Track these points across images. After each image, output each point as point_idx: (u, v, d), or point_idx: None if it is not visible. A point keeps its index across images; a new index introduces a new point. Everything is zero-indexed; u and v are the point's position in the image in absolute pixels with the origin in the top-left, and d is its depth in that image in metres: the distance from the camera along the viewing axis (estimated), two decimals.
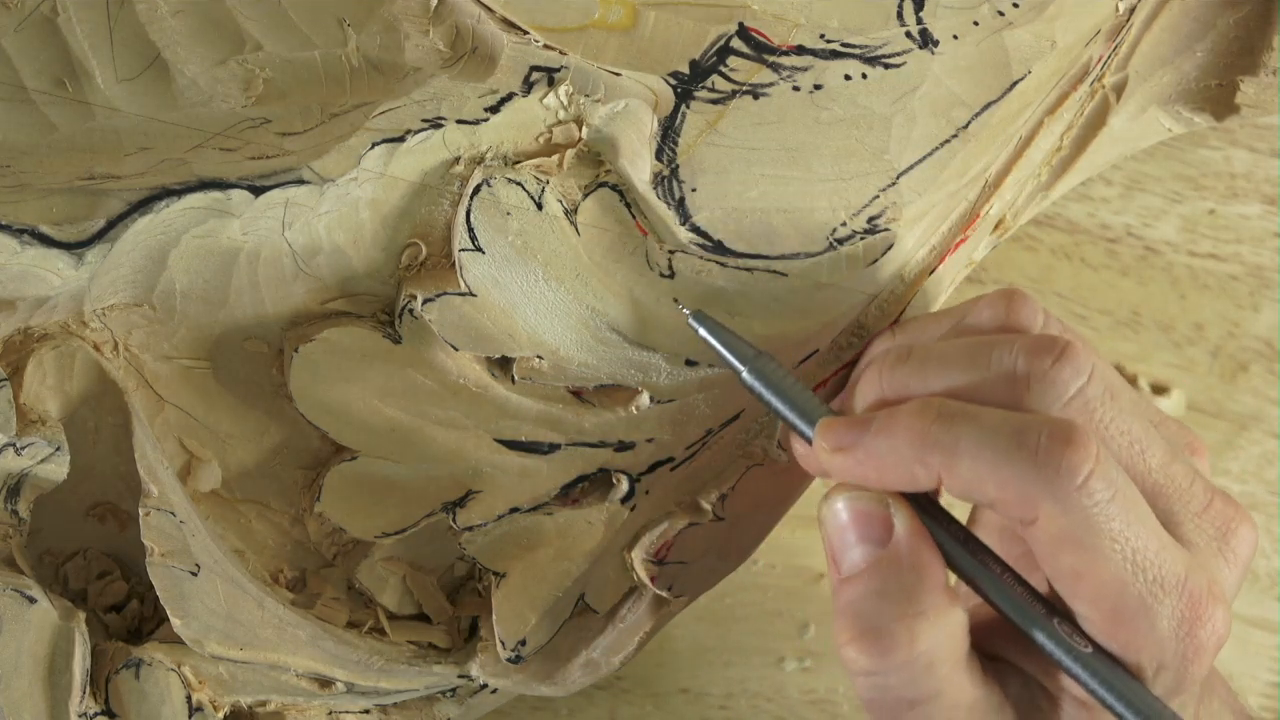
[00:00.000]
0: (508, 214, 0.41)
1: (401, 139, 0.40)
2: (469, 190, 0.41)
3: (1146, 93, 0.47)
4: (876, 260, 0.43)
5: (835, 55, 0.40)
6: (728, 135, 0.41)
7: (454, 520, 0.46)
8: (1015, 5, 0.41)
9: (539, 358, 0.43)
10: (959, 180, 0.43)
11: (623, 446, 0.46)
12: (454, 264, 0.42)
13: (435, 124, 0.40)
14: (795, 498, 0.48)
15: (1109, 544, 0.37)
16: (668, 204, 0.42)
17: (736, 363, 0.41)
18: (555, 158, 0.41)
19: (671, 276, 0.43)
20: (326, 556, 0.47)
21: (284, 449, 0.46)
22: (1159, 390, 0.62)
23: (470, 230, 0.42)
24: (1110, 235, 0.62)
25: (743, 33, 0.40)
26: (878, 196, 0.42)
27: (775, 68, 0.40)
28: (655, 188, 0.41)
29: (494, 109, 0.40)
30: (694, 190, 0.42)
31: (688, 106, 0.41)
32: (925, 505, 0.40)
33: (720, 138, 0.41)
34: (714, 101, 0.41)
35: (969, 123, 0.42)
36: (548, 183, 0.41)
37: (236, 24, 0.37)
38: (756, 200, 0.42)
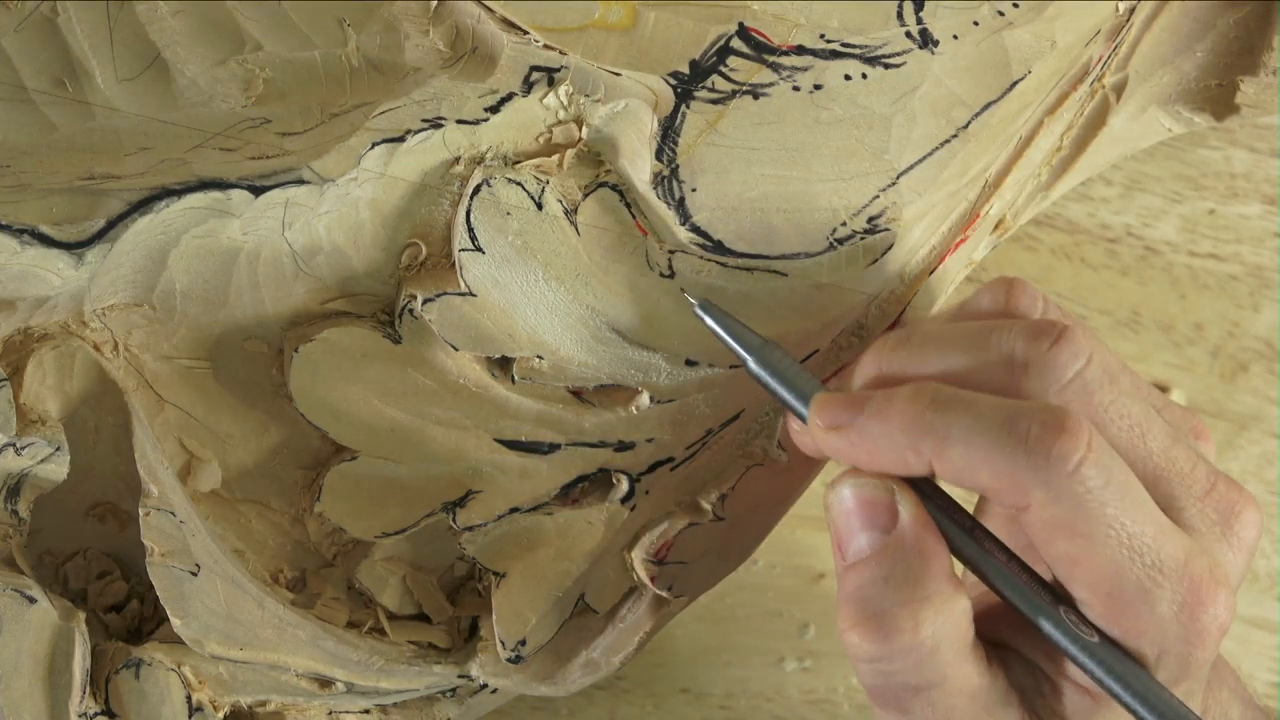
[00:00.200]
0: (508, 214, 0.41)
1: (401, 139, 0.40)
2: (469, 190, 0.41)
3: (1146, 93, 0.47)
4: (876, 260, 0.43)
5: (835, 55, 0.40)
6: (728, 135, 0.41)
7: (454, 520, 0.46)
8: (1015, 5, 0.41)
9: (539, 358, 0.43)
10: (959, 180, 0.43)
11: (623, 446, 0.46)
12: (454, 264, 0.42)
13: (435, 124, 0.40)
14: (795, 498, 0.48)
15: (1104, 530, 0.37)
16: (668, 204, 0.42)
17: (743, 352, 0.41)
18: (555, 158, 0.41)
19: (671, 276, 0.43)
20: (326, 556, 0.47)
21: (284, 449, 0.46)
22: (1159, 390, 0.62)
23: (470, 230, 0.41)
24: (1110, 235, 0.62)
25: (743, 33, 0.40)
26: (878, 196, 0.42)
27: (775, 68, 0.40)
28: (655, 188, 0.41)
29: (494, 109, 0.40)
30: (694, 190, 0.42)
31: (688, 106, 0.41)
32: (931, 492, 0.40)
33: (720, 138, 0.41)
34: (714, 101, 0.41)
35: (969, 123, 0.42)
36: (548, 183, 0.41)
37: (236, 24, 0.37)
38: (756, 200, 0.42)
